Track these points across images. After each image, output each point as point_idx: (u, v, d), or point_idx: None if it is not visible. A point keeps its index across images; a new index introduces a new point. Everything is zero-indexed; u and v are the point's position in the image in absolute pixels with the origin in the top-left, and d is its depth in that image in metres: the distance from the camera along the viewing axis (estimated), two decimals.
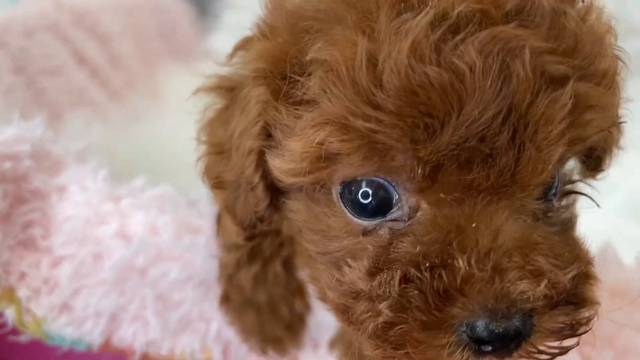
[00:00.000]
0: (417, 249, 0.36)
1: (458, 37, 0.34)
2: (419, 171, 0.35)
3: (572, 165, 0.46)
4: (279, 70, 0.41)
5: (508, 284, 0.34)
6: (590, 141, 0.38)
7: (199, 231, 0.68)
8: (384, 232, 0.39)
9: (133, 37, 1.63)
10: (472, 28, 0.34)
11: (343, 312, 0.40)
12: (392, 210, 0.39)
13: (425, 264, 0.35)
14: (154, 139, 1.38)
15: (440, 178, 0.36)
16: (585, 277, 0.37)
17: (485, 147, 0.34)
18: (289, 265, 0.63)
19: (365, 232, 0.39)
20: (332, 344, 0.65)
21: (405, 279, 0.36)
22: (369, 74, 0.35)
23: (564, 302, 0.35)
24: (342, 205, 0.40)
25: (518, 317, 0.34)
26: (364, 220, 0.40)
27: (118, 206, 0.69)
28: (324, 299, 0.44)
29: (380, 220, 0.39)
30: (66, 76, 1.40)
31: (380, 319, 0.36)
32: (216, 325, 0.69)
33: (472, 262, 0.34)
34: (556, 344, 0.37)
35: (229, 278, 0.64)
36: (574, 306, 0.36)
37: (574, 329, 0.37)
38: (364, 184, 0.39)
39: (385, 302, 0.36)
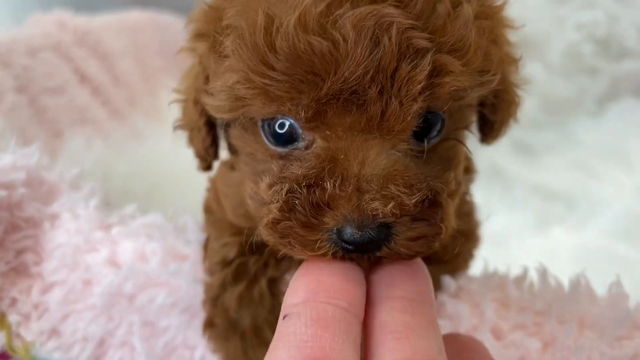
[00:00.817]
0: (300, 171, 0.46)
1: (337, 12, 0.42)
2: (303, 114, 0.45)
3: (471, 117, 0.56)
4: (212, 29, 0.50)
5: (363, 203, 0.43)
6: (448, 98, 0.46)
7: (185, 258, 0.70)
8: (291, 158, 0.49)
9: (134, 54, 1.65)
10: (351, 4, 0.43)
11: (256, 213, 0.52)
12: (297, 142, 0.48)
13: (303, 183, 0.45)
14: (154, 156, 1.40)
15: (325, 120, 0.45)
16: (432, 202, 0.46)
17: (357, 99, 0.43)
18: (273, 288, 0.65)
19: (281, 157, 0.49)
20: None
21: (289, 191, 0.46)
22: (265, 40, 0.44)
23: (419, 219, 0.45)
24: (263, 135, 0.50)
25: (373, 228, 0.43)
26: (278, 147, 0.49)
27: (108, 234, 0.71)
28: (248, 206, 0.54)
29: (290, 148, 0.49)
30: (68, 95, 1.42)
31: (271, 216, 0.47)
32: (200, 353, 0.70)
33: (337, 185, 0.44)
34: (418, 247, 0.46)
35: (213, 300, 0.66)
36: (427, 222, 0.45)
37: (429, 239, 0.46)
38: (279, 119, 0.48)
39: (274, 205, 0.47)
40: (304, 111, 0.45)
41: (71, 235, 0.71)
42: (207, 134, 0.57)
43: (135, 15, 1.71)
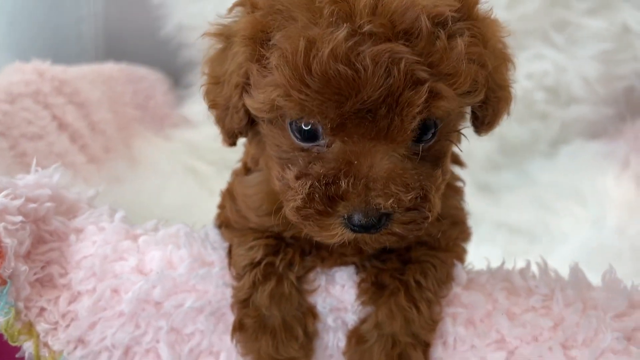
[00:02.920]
0: (321, 170, 0.57)
1: (361, 48, 0.53)
2: (329, 125, 0.56)
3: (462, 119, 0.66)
4: (256, 39, 0.59)
5: (370, 198, 0.55)
6: (441, 116, 0.58)
7: (212, 264, 0.73)
8: (312, 152, 0.59)
9: (109, 104, 1.69)
10: (371, 43, 0.53)
11: (282, 193, 0.62)
12: (319, 140, 0.59)
13: (324, 180, 0.57)
14: (135, 200, 1.42)
15: (344, 129, 0.56)
16: (423, 197, 0.58)
17: (371, 116, 0.55)
18: (298, 286, 0.70)
19: (302, 149, 0.60)
20: None
21: (311, 186, 0.57)
22: (304, 63, 0.54)
23: (412, 209, 0.57)
24: (290, 131, 0.60)
25: (375, 217, 0.56)
26: (302, 142, 0.60)
27: (135, 243, 0.74)
28: (274, 184, 0.64)
29: (312, 144, 0.59)
30: (46, 140, 1.44)
31: (296, 203, 0.59)
32: (224, 358, 0.72)
33: (350, 183, 0.56)
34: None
35: (243, 302, 0.69)
36: (417, 211, 0.58)
37: (418, 223, 0.59)
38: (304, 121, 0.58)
39: (299, 196, 0.58)
40: (330, 122, 0.56)
41: (98, 246, 0.73)
42: (244, 114, 0.64)
43: (110, 67, 1.75)
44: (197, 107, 1.83)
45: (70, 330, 0.71)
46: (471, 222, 1.65)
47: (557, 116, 1.68)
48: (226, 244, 0.75)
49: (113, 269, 0.72)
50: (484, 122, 0.67)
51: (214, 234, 0.77)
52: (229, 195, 0.77)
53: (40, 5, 1.84)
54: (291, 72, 0.54)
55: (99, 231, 0.75)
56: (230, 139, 0.68)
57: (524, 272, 0.71)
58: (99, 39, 1.88)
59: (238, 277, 0.71)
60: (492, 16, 0.64)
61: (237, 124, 0.65)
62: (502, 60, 0.65)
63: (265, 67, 0.58)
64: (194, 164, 1.69)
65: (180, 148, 1.73)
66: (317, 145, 0.59)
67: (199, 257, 0.73)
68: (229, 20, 0.66)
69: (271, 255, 0.70)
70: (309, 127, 0.59)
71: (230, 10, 0.65)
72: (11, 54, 1.72)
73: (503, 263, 0.74)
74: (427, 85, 0.54)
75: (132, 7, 1.87)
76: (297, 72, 0.54)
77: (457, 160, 0.76)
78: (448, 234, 0.73)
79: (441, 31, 0.55)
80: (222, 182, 0.83)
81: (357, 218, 0.56)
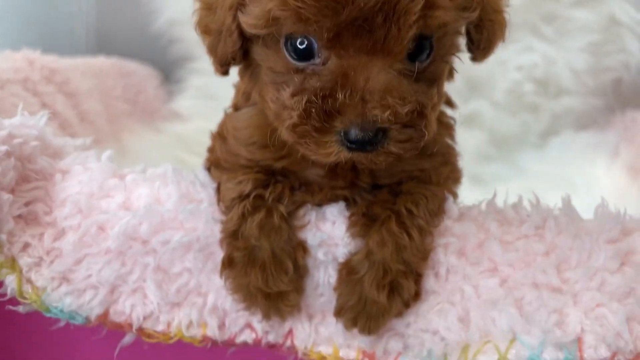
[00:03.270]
0: (318, 84, 0.57)
1: None
2: (325, 35, 0.55)
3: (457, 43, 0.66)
4: None
5: (366, 110, 0.55)
6: (437, 28, 0.57)
7: (200, 202, 0.72)
8: (307, 71, 0.59)
9: (99, 97, 1.68)
10: None
11: (277, 116, 0.61)
12: (314, 59, 0.58)
13: (320, 93, 0.56)
14: None
15: (341, 41, 0.56)
16: (420, 113, 0.57)
17: (367, 26, 0.54)
18: (289, 221, 0.68)
19: (297, 70, 0.59)
20: (338, 312, 0.69)
21: (308, 101, 0.56)
22: None
23: (408, 126, 0.57)
24: (285, 50, 0.59)
25: (372, 130, 0.55)
26: (297, 62, 0.59)
27: (122, 182, 0.73)
28: (269, 109, 0.63)
29: (307, 63, 0.59)
30: None
31: (292, 121, 0.58)
32: (213, 298, 0.71)
33: (347, 95, 0.55)
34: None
35: (232, 235, 0.68)
36: (414, 129, 0.57)
37: (415, 141, 0.58)
38: (299, 37, 0.58)
39: (295, 112, 0.57)
40: (326, 32, 0.55)
41: (84, 184, 0.72)
42: (238, 37, 0.63)
43: (101, 61, 1.75)
44: (187, 102, 1.84)
45: (55, 266, 0.69)
46: None
47: (547, 108, 1.69)
48: (215, 184, 0.74)
49: (99, 205, 0.71)
50: (479, 47, 0.67)
51: (203, 175, 0.76)
52: (219, 136, 0.76)
53: (32, 1, 1.85)
54: None
55: (86, 171, 0.74)
56: (223, 67, 0.67)
57: (516, 206, 0.71)
58: (90, 34, 1.88)
59: (227, 211, 0.69)
60: None
61: (231, 47, 0.64)
62: None
63: None
64: (183, 156, 1.68)
65: (170, 141, 1.73)
66: (313, 64, 0.59)
67: (188, 195, 0.72)
68: None
69: (260, 189, 0.69)
70: (304, 45, 0.58)
71: None
72: (2, 48, 1.73)
73: (495, 196, 0.73)
74: None
75: (123, 3, 1.88)
76: None
77: (448, 101, 0.76)
78: (439, 171, 0.72)
79: None
80: None
81: (354, 133, 0.55)
